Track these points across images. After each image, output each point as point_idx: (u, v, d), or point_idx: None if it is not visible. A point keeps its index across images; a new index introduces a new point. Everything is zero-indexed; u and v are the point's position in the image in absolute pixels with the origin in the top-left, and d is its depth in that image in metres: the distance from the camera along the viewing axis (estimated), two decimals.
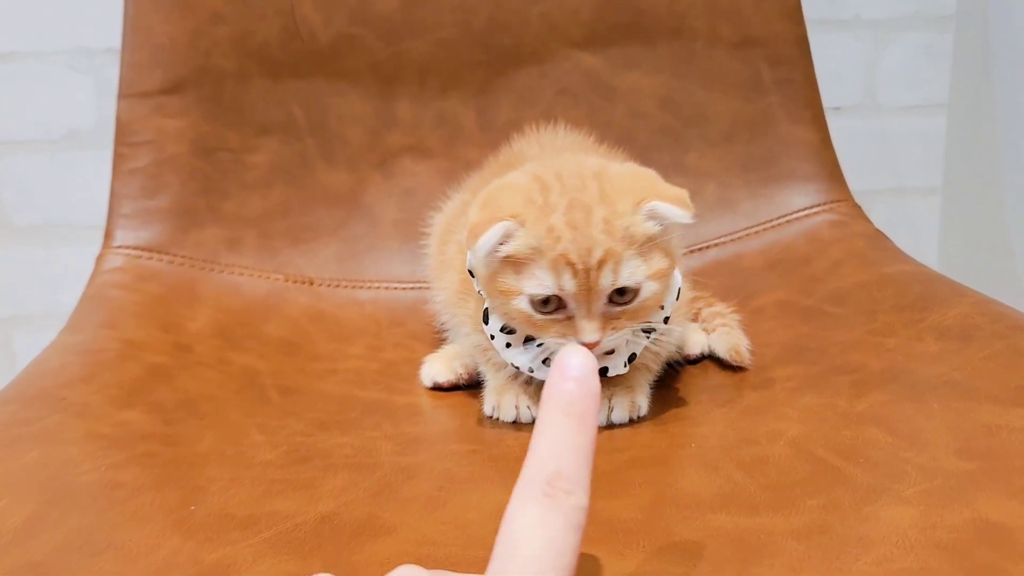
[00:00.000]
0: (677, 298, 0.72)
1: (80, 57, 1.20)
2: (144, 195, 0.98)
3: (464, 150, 1.08)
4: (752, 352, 0.81)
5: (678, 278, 0.72)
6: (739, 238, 1.04)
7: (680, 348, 0.82)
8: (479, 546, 0.52)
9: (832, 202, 1.03)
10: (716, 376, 0.80)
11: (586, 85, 1.08)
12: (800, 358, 0.80)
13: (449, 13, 1.05)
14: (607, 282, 0.64)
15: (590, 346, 0.65)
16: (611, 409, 0.72)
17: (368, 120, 1.06)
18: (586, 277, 0.64)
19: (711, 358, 0.84)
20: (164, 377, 0.79)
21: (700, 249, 1.04)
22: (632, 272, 0.65)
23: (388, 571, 0.41)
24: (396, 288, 1.04)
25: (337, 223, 1.05)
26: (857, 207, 1.04)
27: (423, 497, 0.59)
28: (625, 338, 0.67)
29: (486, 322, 0.73)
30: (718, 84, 1.06)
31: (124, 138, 0.99)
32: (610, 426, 0.71)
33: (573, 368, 0.42)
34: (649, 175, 0.70)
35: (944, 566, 0.46)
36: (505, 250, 0.66)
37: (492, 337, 0.72)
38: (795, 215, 1.03)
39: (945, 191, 1.34)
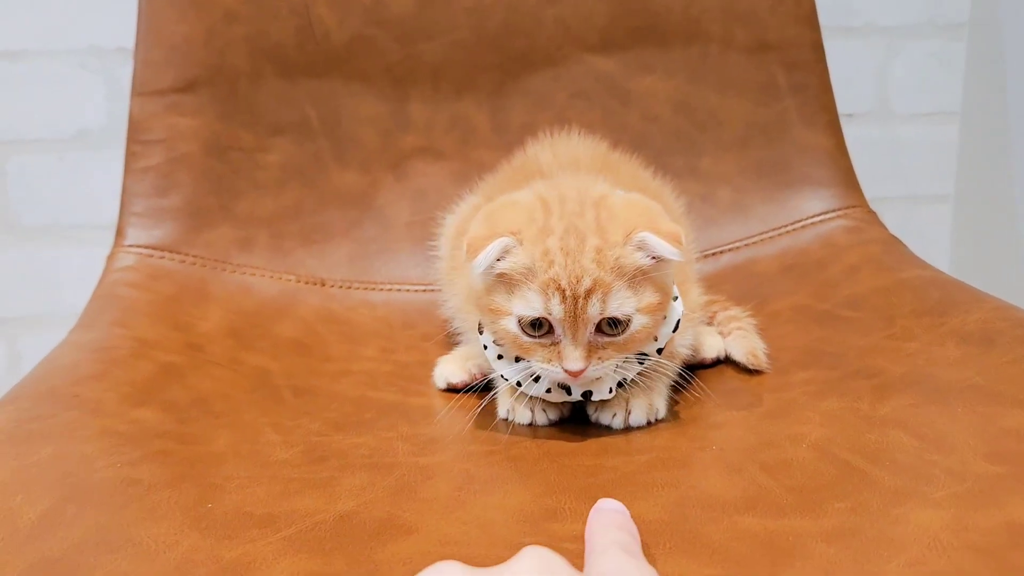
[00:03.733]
0: (675, 329, 0.72)
1: (91, 57, 1.20)
2: (156, 194, 0.98)
3: (477, 152, 1.07)
4: (769, 356, 0.81)
5: (677, 310, 0.72)
6: (753, 243, 1.03)
7: (696, 351, 0.81)
8: (503, 545, 0.51)
9: (847, 208, 1.03)
10: (733, 380, 0.79)
11: (600, 89, 1.07)
12: (818, 362, 0.79)
13: (464, 15, 1.05)
14: (594, 311, 0.64)
15: (573, 374, 0.65)
16: (629, 412, 0.71)
17: (381, 121, 1.06)
18: (574, 304, 0.64)
19: (727, 362, 0.83)
20: (177, 376, 0.78)
21: (714, 254, 1.04)
22: (621, 304, 0.65)
23: (411, 570, 0.41)
24: (408, 290, 1.03)
25: (349, 224, 1.05)
26: (872, 213, 1.03)
27: (443, 497, 0.58)
28: (611, 369, 0.67)
29: (481, 332, 0.72)
30: (733, 88, 1.06)
31: (137, 136, 0.98)
32: (627, 428, 0.70)
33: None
34: (650, 207, 0.70)
35: (979, 568, 0.46)
36: (501, 267, 0.66)
37: (485, 347, 0.72)
38: (810, 220, 1.03)
39: (957, 199, 1.33)
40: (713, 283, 0.94)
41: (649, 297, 0.66)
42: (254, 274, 0.99)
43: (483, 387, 0.77)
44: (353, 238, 1.05)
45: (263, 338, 0.91)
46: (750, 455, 0.62)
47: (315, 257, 1.02)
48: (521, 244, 0.66)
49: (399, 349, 0.93)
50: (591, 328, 0.65)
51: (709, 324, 0.86)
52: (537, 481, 0.61)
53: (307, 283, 1.00)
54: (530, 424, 0.72)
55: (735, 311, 0.87)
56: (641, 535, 0.51)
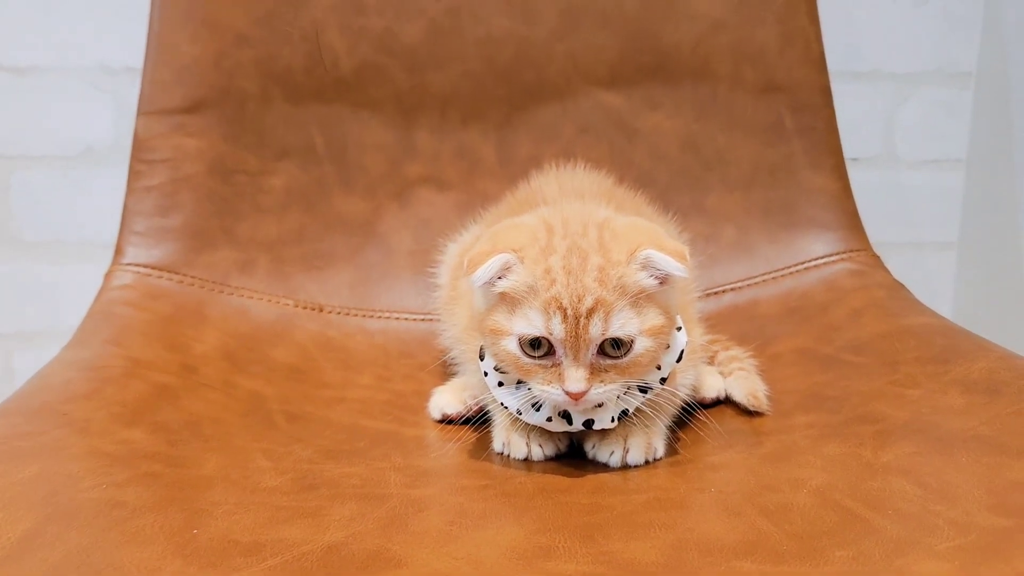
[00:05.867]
0: (679, 359, 0.71)
1: (101, 75, 1.20)
2: (158, 213, 0.97)
3: (482, 183, 1.07)
4: (770, 398, 0.80)
5: (681, 340, 0.71)
6: (756, 283, 1.03)
7: (696, 390, 0.80)
8: None
9: (851, 251, 1.02)
10: (733, 421, 0.78)
11: (608, 124, 1.07)
12: (820, 406, 0.78)
13: (474, 47, 1.05)
14: (596, 331, 0.63)
15: (575, 396, 0.64)
16: (626, 450, 0.70)
17: (388, 149, 1.06)
18: (576, 324, 0.63)
19: (727, 402, 0.82)
20: (169, 397, 0.77)
21: (716, 293, 1.03)
22: (623, 324, 0.64)
23: None
24: (407, 319, 1.02)
25: (351, 251, 1.04)
26: (876, 257, 1.03)
27: (434, 531, 0.57)
28: (615, 393, 0.66)
29: (482, 358, 0.71)
30: (740, 128, 1.06)
31: (141, 155, 0.98)
32: (625, 467, 0.69)
33: None
34: (652, 228, 0.70)
35: None
36: (502, 285, 0.66)
37: (486, 374, 0.71)
38: (814, 263, 1.02)
39: (961, 247, 1.33)
40: (715, 323, 0.94)
41: (653, 319, 0.65)
42: (252, 297, 0.98)
43: (479, 420, 0.76)
44: (354, 264, 1.04)
45: (258, 362, 0.90)
46: (749, 498, 0.61)
47: (315, 282, 1.02)
48: (523, 262, 0.65)
49: (395, 378, 0.92)
50: (593, 349, 0.64)
51: (710, 364, 0.85)
52: (531, 518, 0.59)
53: (305, 308, 1.00)
54: (525, 459, 0.71)
55: (736, 351, 0.87)
56: None
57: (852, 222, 1.04)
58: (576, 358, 0.64)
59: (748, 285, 1.03)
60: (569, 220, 0.69)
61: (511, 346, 0.66)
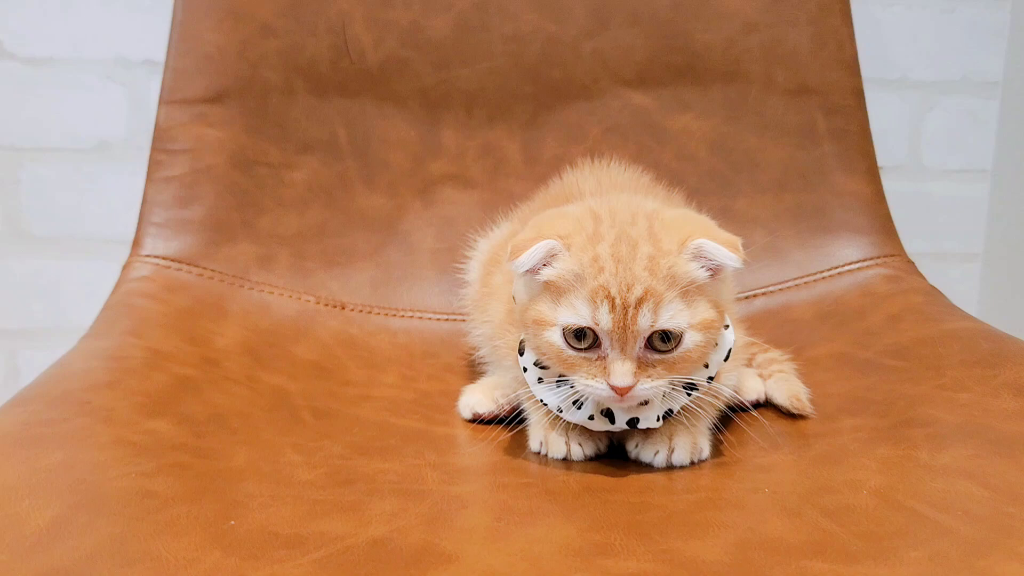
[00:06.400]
0: (727, 358, 0.68)
1: (117, 67, 1.18)
2: (177, 204, 0.95)
3: (507, 183, 1.05)
4: (812, 402, 0.77)
5: (729, 338, 0.69)
6: (788, 288, 1.01)
7: (736, 394, 0.77)
8: None
9: (885, 256, 1.00)
10: (775, 423, 0.76)
11: (635, 124, 1.05)
12: (865, 410, 0.75)
13: (501, 43, 1.03)
14: (645, 323, 0.61)
15: (620, 391, 0.61)
16: (672, 450, 0.67)
17: (412, 145, 1.04)
18: (624, 314, 0.60)
19: (767, 405, 0.79)
20: (192, 389, 0.74)
21: (747, 297, 1.00)
22: (673, 316, 0.61)
23: None
24: (430, 318, 1.00)
25: (373, 248, 1.02)
26: (911, 263, 1.01)
27: (482, 527, 0.54)
28: (662, 390, 0.63)
29: (521, 353, 0.69)
30: (771, 131, 1.04)
31: (162, 144, 0.95)
32: (669, 468, 0.66)
33: None
34: (703, 219, 0.67)
35: None
36: (547, 274, 0.63)
37: (525, 370, 0.69)
38: (847, 268, 1.00)
39: (986, 258, 1.31)
40: (747, 327, 0.91)
41: (703, 312, 0.63)
42: (272, 293, 0.95)
43: (511, 420, 0.73)
44: (376, 262, 1.01)
45: (280, 358, 0.87)
46: (807, 499, 0.58)
47: (336, 279, 0.99)
48: (569, 249, 0.63)
49: (420, 377, 0.89)
50: (641, 342, 0.61)
51: (748, 366, 0.83)
52: (581, 516, 0.57)
53: (327, 305, 0.97)
54: (564, 459, 0.68)
55: (774, 353, 0.84)
56: None
57: (886, 227, 1.02)
58: (623, 351, 0.61)
59: (780, 290, 1.00)
60: (617, 210, 0.66)
61: (555, 337, 0.63)
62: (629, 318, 0.60)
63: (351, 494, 0.58)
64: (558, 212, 0.68)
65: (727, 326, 0.69)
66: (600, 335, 0.62)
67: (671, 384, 0.63)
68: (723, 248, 0.62)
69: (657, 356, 0.62)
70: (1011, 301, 1.27)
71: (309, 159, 1.01)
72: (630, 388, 0.61)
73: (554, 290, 0.63)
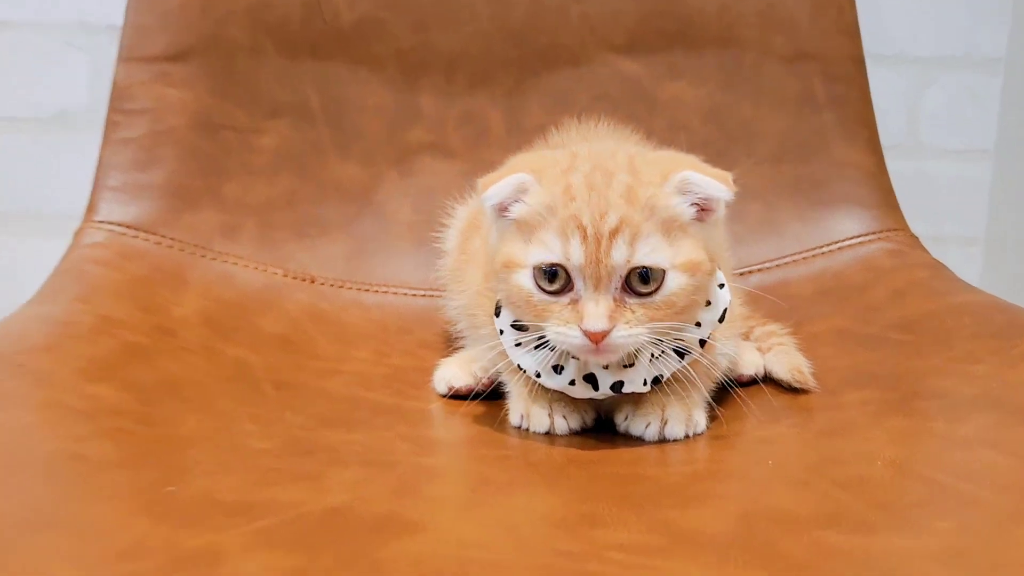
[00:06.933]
0: (722, 319, 0.63)
1: (78, 33, 1.12)
2: (136, 167, 0.88)
3: (488, 152, 0.99)
4: (814, 375, 0.71)
5: (724, 297, 0.63)
6: (786, 263, 0.95)
7: (732, 367, 0.72)
8: (537, 551, 0.41)
9: (888, 230, 0.95)
10: (776, 398, 0.70)
11: (625, 92, 1.00)
12: (871, 383, 0.70)
13: (484, 5, 0.98)
14: (620, 256, 0.55)
15: (594, 337, 0.54)
16: (664, 422, 0.61)
17: (388, 112, 0.98)
18: (596, 246, 0.55)
19: (766, 381, 0.74)
20: (142, 356, 0.68)
21: (743, 273, 0.95)
22: (652, 250, 0.55)
23: (422, 572, 0.31)
24: (406, 294, 0.94)
25: (346, 219, 0.96)
26: (914, 237, 0.95)
27: (455, 497, 0.48)
28: (641, 339, 0.56)
29: (498, 315, 0.63)
30: (767, 99, 0.99)
31: (119, 104, 0.89)
32: (662, 441, 0.60)
33: None
34: (690, 157, 0.62)
35: None
36: (517, 211, 0.58)
37: (501, 332, 0.63)
38: (848, 242, 0.95)
39: (987, 242, 1.26)
40: (743, 301, 0.86)
41: (689, 253, 0.57)
42: (237, 264, 0.89)
43: (490, 395, 0.68)
44: (349, 234, 0.95)
45: (243, 330, 0.81)
46: (816, 471, 0.53)
47: (306, 251, 0.93)
48: (540, 182, 0.58)
49: (394, 353, 0.83)
50: (617, 281, 0.55)
51: (746, 339, 0.77)
52: (567, 487, 0.51)
53: (295, 278, 0.91)
54: (547, 432, 0.63)
55: (773, 326, 0.79)
56: (702, 549, 0.42)
57: (887, 200, 0.97)
58: (597, 288, 0.55)
59: (777, 265, 0.95)
60: (598, 151, 0.62)
61: (524, 280, 0.57)
62: (602, 251, 0.55)
63: (310, 463, 0.53)
64: (533, 153, 0.64)
65: (722, 285, 0.63)
66: (572, 273, 0.56)
67: (655, 335, 0.57)
68: (711, 180, 0.57)
69: (637, 300, 0.56)
70: (1014, 286, 1.23)
71: (279, 124, 0.95)
72: (606, 333, 0.55)
73: (525, 228, 0.58)
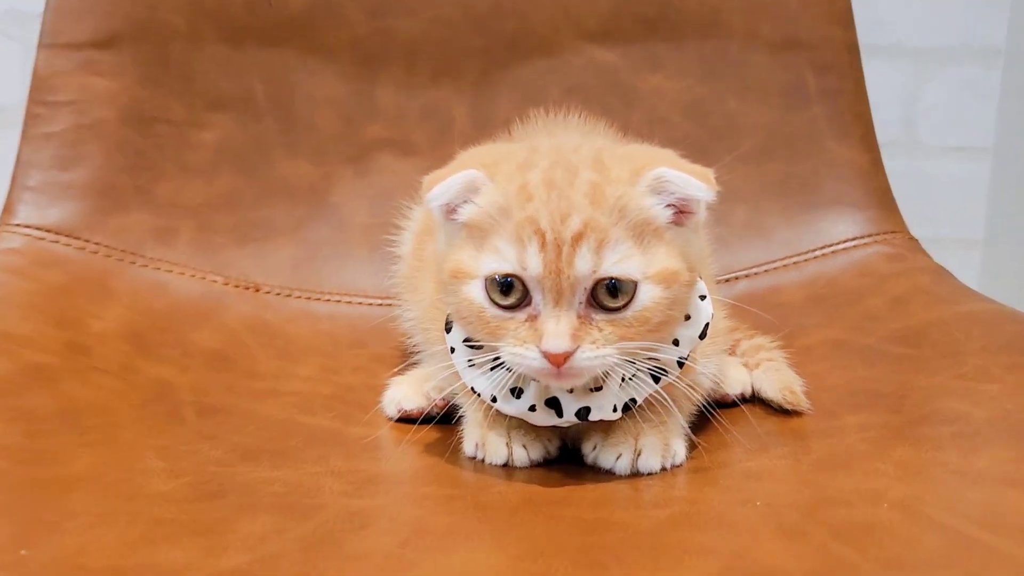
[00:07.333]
0: (703, 336, 0.55)
1: (9, 21, 1.03)
2: (57, 166, 0.80)
3: (453, 149, 0.88)
4: (807, 395, 0.64)
5: (705, 310, 0.55)
6: (774, 269, 0.88)
7: (717, 385, 0.64)
8: None
9: (885, 233, 0.88)
10: (765, 421, 0.62)
11: (600, 84, 0.92)
12: (873, 404, 0.63)
13: None
14: (585, 267, 0.47)
15: (556, 359, 0.47)
16: (638, 453, 0.53)
17: (342, 105, 0.90)
18: (557, 254, 0.47)
19: (754, 400, 0.66)
20: (44, 379, 0.60)
21: (728, 280, 0.87)
22: (621, 259, 0.48)
23: None
24: (360, 303, 0.86)
25: (295, 222, 0.88)
26: (914, 240, 0.88)
27: (379, 554, 0.40)
28: (610, 361, 0.49)
29: (449, 331, 0.55)
30: (754, 91, 0.92)
31: (40, 96, 0.81)
32: (635, 475, 0.52)
33: None
34: (666, 152, 0.55)
35: None
36: (467, 212, 0.50)
37: (452, 350, 0.55)
38: (841, 245, 0.87)
39: (986, 245, 1.19)
40: (728, 312, 0.78)
41: (664, 261, 0.49)
42: (171, 271, 0.81)
43: (448, 418, 0.60)
44: (298, 239, 0.88)
45: (172, 346, 0.73)
46: (811, 515, 0.45)
47: (250, 257, 0.85)
48: (493, 180, 0.50)
49: (343, 370, 0.75)
50: (582, 294, 0.48)
51: (731, 355, 0.70)
52: (516, 537, 0.43)
53: (237, 287, 0.83)
54: (505, 464, 0.54)
55: (762, 340, 0.71)
56: None
57: (884, 200, 0.90)
58: (558, 303, 0.48)
59: (765, 271, 0.88)
60: (562, 145, 0.54)
61: (475, 292, 0.50)
62: (564, 260, 0.47)
63: (214, 510, 0.44)
64: (489, 146, 0.56)
65: (703, 297, 0.56)
66: (530, 285, 0.48)
67: (626, 356, 0.49)
68: (690, 177, 0.49)
69: (604, 316, 0.49)
70: (1015, 292, 1.15)
71: (220, 118, 0.87)
72: (569, 355, 0.47)
73: (476, 233, 0.50)
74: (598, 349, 0.48)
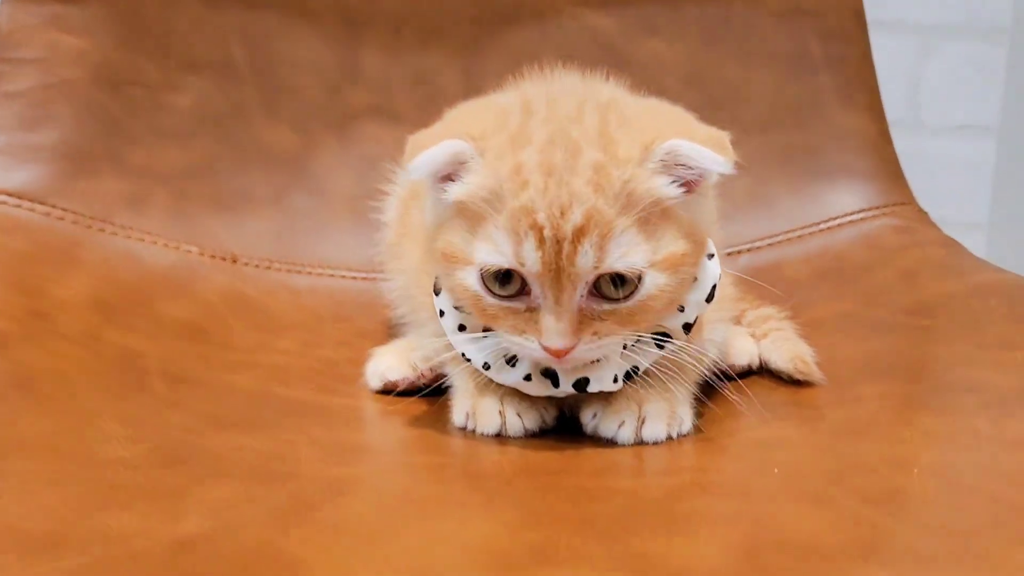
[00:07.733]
0: (710, 298, 0.51)
1: None
2: (23, 126, 0.76)
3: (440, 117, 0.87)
4: (819, 366, 0.60)
5: (713, 271, 0.51)
6: (778, 242, 0.84)
7: (722, 357, 0.60)
8: None
9: (893, 204, 0.84)
10: (775, 392, 0.58)
11: (595, 50, 0.88)
12: (889, 374, 0.59)
13: None
14: (587, 263, 0.44)
15: (556, 354, 0.44)
16: (642, 420, 0.49)
17: (326, 70, 0.86)
18: (557, 251, 0.43)
19: (762, 372, 0.62)
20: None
21: (730, 254, 0.83)
22: (627, 253, 0.44)
23: None
24: (344, 276, 0.82)
25: (275, 191, 0.83)
26: (923, 212, 0.85)
27: (357, 521, 0.36)
28: (612, 347, 0.46)
29: (437, 294, 0.51)
30: (757, 58, 0.88)
31: (4, 52, 0.76)
32: (639, 444, 0.48)
33: None
34: (679, 112, 0.50)
35: None
36: (457, 192, 0.46)
37: (442, 313, 0.51)
38: (848, 218, 0.84)
39: (991, 228, 1.16)
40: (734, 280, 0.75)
41: (671, 245, 0.45)
42: (143, 240, 0.76)
43: (434, 391, 0.55)
44: (279, 208, 0.83)
45: (141, 317, 0.68)
46: (837, 482, 0.41)
47: (227, 227, 0.80)
48: (483, 155, 0.45)
49: (326, 344, 0.71)
50: (583, 288, 0.44)
51: (738, 324, 0.66)
52: (512, 505, 0.39)
53: (213, 257, 0.78)
54: (498, 434, 0.50)
55: (769, 310, 0.67)
56: None
57: (892, 170, 0.86)
58: (558, 300, 0.44)
59: (769, 244, 0.84)
60: (558, 99, 0.49)
61: (470, 280, 0.46)
62: (564, 257, 0.43)
63: (177, 475, 0.40)
64: (479, 102, 0.52)
65: (711, 255, 0.52)
66: (528, 279, 0.45)
67: (626, 340, 0.46)
68: (706, 150, 0.45)
69: (607, 306, 0.45)
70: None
71: (197, 81, 0.82)
72: (569, 351, 0.45)
73: (468, 215, 0.46)
74: (600, 340, 0.45)
